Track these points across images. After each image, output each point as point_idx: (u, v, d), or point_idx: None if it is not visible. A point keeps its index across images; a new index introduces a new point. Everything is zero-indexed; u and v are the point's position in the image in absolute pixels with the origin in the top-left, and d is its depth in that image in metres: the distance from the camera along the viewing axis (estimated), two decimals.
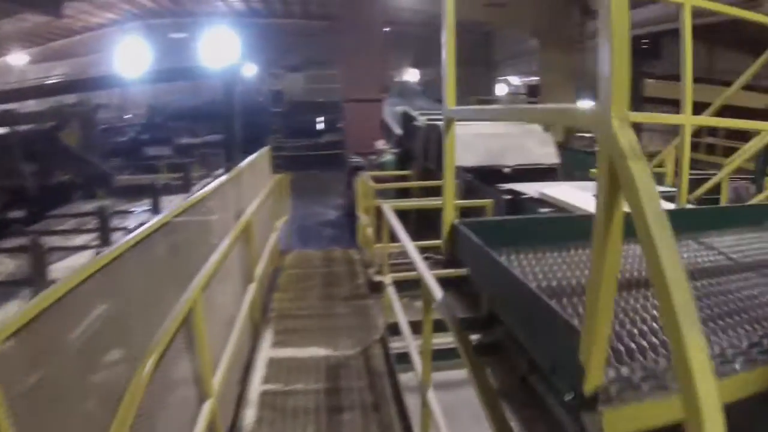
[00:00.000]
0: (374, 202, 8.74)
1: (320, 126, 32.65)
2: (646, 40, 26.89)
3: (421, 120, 11.85)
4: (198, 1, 31.26)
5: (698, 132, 25.70)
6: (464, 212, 8.41)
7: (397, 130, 15.10)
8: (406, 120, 13.55)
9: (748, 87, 27.23)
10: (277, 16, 34.43)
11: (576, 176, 9.77)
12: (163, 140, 23.46)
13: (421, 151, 11.42)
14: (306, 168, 27.69)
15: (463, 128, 10.17)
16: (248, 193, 7.20)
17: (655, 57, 28.04)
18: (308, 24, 34.55)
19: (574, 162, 11.73)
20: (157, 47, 28.70)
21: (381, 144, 14.04)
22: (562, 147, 12.08)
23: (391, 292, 6.43)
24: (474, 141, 9.76)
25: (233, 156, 7.46)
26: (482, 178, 9.35)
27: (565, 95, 25.89)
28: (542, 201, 6.95)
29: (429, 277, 3.84)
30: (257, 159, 8.48)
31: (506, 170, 9.62)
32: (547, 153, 10.23)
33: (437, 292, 3.58)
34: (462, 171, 9.09)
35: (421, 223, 9.08)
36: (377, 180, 11.65)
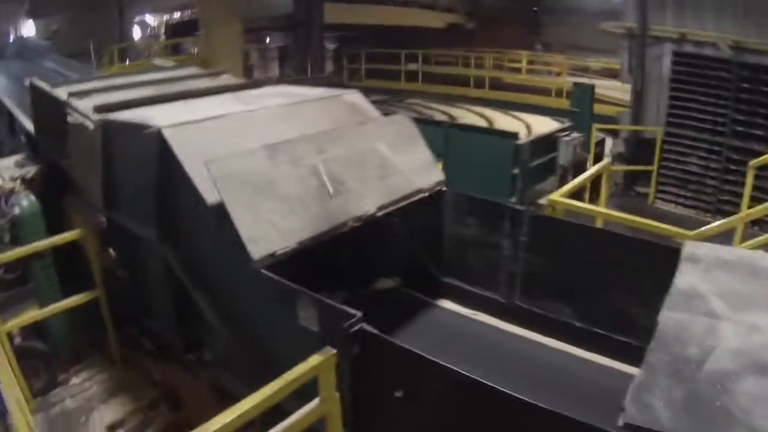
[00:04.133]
0: None
1: None
2: None
3: (81, 109, 5.01)
4: None
5: (395, 58, 21.95)
6: None
7: (28, 125, 7.42)
8: (44, 107, 5.91)
9: (427, 6, 23.56)
10: None
11: None
12: None
13: (99, 185, 4.84)
14: None
15: (228, 133, 4.17)
16: None
17: None
18: None
19: None
20: None
21: (6, 165, 6.49)
22: None
23: None
24: (277, 170, 3.69)
25: None
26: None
27: (231, 32, 20.31)
28: None
29: None
30: None
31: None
32: (420, 163, 4.58)
33: None
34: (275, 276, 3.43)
35: None
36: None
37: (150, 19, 30.19)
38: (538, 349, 4.31)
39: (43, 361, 5.56)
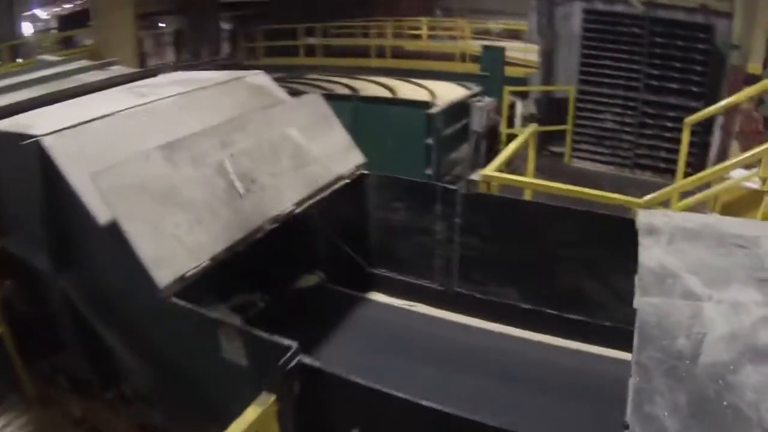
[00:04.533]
0: None
1: None
2: None
3: None
4: None
5: (293, 33, 21.40)
6: None
7: None
8: None
9: None
10: None
11: None
12: None
13: None
14: None
15: (120, 134, 3.61)
16: None
17: None
18: None
19: None
20: None
21: None
22: None
23: None
24: (178, 173, 3.19)
25: None
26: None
27: (123, 19, 19.26)
28: None
29: None
30: None
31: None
32: (337, 146, 4.23)
33: None
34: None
35: None
36: None
37: (40, 12, 28.43)
38: (485, 337, 4.00)
39: None
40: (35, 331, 4.57)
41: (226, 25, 28.21)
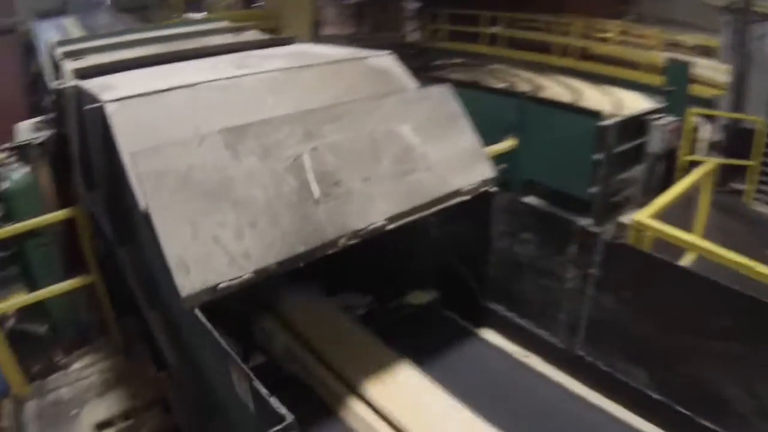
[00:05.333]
0: None
1: None
2: None
3: (66, 72, 4.29)
4: None
5: (478, 20, 20.79)
6: None
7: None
8: (57, 71, 5.17)
9: None
10: None
11: None
12: None
13: (78, 162, 4.00)
14: None
15: (194, 109, 3.07)
16: None
17: None
18: None
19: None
20: None
21: (26, 128, 5.77)
22: None
23: None
24: (238, 164, 2.61)
25: None
26: None
27: None
28: None
29: None
30: None
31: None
32: (461, 153, 3.45)
33: None
34: None
35: None
36: None
37: None
38: (601, 416, 3.22)
39: (39, 344, 5.20)
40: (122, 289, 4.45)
41: (412, 4, 27.96)
